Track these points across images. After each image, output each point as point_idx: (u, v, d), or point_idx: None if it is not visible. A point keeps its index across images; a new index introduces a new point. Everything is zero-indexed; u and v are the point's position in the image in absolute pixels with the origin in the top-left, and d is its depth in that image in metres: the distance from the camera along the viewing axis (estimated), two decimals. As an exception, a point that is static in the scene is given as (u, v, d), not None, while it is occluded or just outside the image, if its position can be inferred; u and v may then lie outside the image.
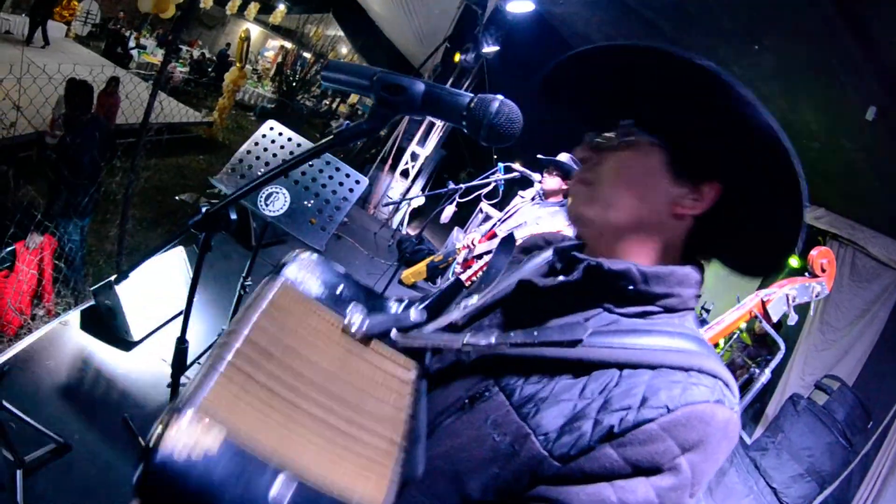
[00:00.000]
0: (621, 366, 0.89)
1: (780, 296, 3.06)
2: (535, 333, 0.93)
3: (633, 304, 0.98)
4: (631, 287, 0.97)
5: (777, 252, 1.01)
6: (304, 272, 1.05)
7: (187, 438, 0.67)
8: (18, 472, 2.65)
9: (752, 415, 7.78)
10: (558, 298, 1.04)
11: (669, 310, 0.99)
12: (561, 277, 1.05)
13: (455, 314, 1.15)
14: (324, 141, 1.04)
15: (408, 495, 0.81)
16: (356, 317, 0.99)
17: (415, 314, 1.12)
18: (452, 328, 1.12)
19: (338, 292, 1.07)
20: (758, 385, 3.69)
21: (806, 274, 3.27)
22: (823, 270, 3.24)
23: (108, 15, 20.88)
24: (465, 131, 0.95)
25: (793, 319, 3.11)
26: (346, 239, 8.19)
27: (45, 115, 6.11)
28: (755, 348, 7.32)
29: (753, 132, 0.89)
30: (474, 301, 1.16)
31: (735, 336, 6.88)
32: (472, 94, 0.93)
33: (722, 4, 5.19)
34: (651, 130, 0.99)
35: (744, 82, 0.87)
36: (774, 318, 3.08)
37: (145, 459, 0.66)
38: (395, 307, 1.20)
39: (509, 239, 1.33)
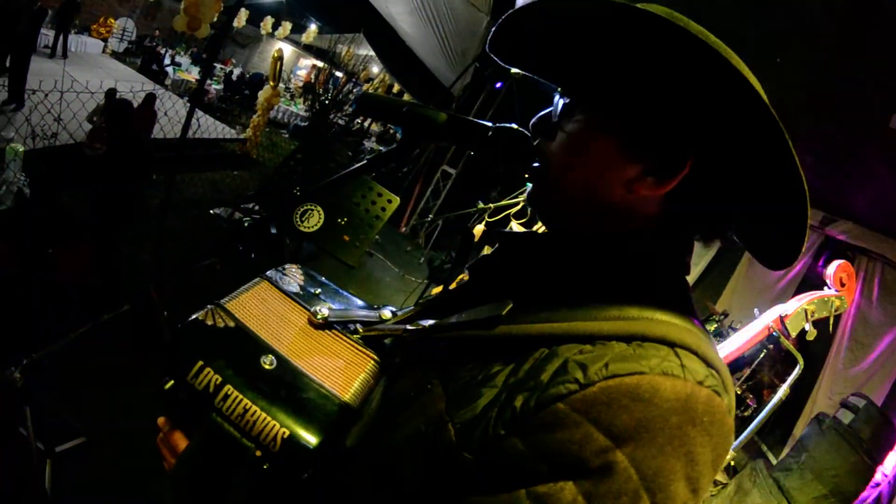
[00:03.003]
0: (546, 340, 0.75)
1: (799, 311, 3.01)
2: (462, 316, 0.88)
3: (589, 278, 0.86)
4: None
5: (785, 223, 0.84)
6: (284, 276, 1.28)
7: (215, 318, 1.07)
8: (48, 462, 2.79)
9: (779, 436, 7.69)
10: (514, 286, 0.94)
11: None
12: (484, 253, 1.02)
13: (415, 309, 1.15)
14: (357, 165, 1.12)
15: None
16: (322, 307, 1.15)
17: (387, 314, 1.19)
18: (412, 320, 1.08)
19: (315, 293, 1.26)
20: (774, 400, 3.61)
21: (825, 288, 3.20)
22: (843, 285, 3.16)
23: (143, 33, 21.29)
24: (485, 157, 1.04)
25: (812, 334, 3.08)
26: (378, 256, 8.28)
27: (85, 127, 6.30)
28: (782, 367, 7.23)
29: (720, 87, 0.76)
30: (432, 296, 1.15)
31: (763, 354, 6.85)
32: (490, 123, 1.01)
33: (741, 17, 5.18)
34: (596, 104, 0.89)
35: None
36: (793, 334, 3.02)
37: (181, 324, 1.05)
38: (385, 313, 1.21)
39: (467, 233, 1.41)
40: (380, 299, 6.22)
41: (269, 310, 1.16)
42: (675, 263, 0.89)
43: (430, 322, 0.95)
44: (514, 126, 1.00)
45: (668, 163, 0.82)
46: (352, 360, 1.07)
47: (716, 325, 7.59)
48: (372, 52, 20.06)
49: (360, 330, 1.13)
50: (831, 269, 3.19)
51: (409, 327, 1.00)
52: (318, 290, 1.27)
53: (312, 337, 1.11)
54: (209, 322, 1.07)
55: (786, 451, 7.27)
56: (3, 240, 4.82)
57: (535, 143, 0.99)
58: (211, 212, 8.58)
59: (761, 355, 6.76)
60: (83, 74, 7.35)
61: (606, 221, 0.89)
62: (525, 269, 0.95)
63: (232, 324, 1.08)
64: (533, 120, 1.00)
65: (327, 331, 1.12)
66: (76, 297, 5.04)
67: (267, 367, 0.99)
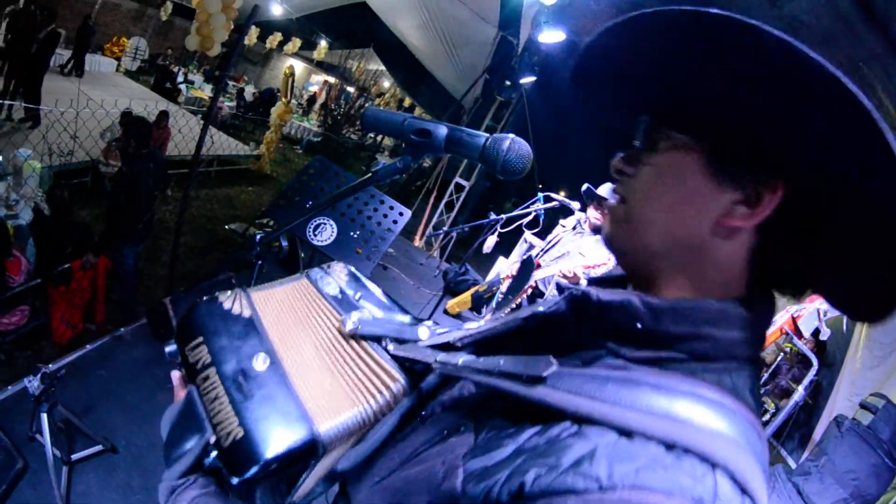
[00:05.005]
0: (582, 419, 0.65)
1: (811, 311, 2.97)
2: (501, 362, 0.76)
3: (645, 348, 0.75)
4: (639, 325, 0.75)
5: (884, 275, 0.69)
6: (326, 276, 1.27)
7: (234, 302, 1.12)
8: (64, 469, 2.84)
9: (798, 440, 7.59)
10: (556, 335, 0.85)
11: (699, 357, 0.73)
12: (540, 308, 0.86)
13: (457, 334, 0.99)
14: (363, 178, 1.16)
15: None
16: (354, 315, 1.10)
17: (424, 331, 1.09)
18: (448, 347, 0.98)
19: (354, 297, 1.22)
20: (791, 403, 3.57)
21: None
22: None
23: (156, 51, 21.49)
24: (484, 167, 1.06)
25: (825, 334, 3.03)
26: (393, 269, 8.31)
27: (101, 145, 6.39)
28: (799, 370, 7.14)
29: (821, 103, 0.63)
30: (480, 325, 0.98)
31: (780, 357, 6.77)
32: (487, 135, 1.03)
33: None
34: (680, 126, 0.79)
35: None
36: (806, 334, 2.99)
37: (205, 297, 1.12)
38: (423, 330, 1.10)
39: (528, 262, 1.37)
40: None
41: (295, 309, 1.17)
42: (752, 337, 0.75)
43: (465, 358, 0.86)
44: (511, 136, 1.02)
45: (762, 189, 0.72)
46: (365, 381, 1.00)
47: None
48: (382, 67, 20.17)
49: (389, 347, 1.05)
50: None
51: (439, 359, 0.91)
52: (359, 295, 1.23)
53: (334, 346, 1.07)
54: (227, 305, 1.12)
55: (805, 455, 7.14)
56: (22, 253, 4.90)
57: (619, 173, 0.88)
58: (227, 227, 8.64)
59: (778, 358, 6.57)
60: (98, 93, 7.46)
61: (687, 267, 0.79)
62: (582, 328, 0.82)
63: (248, 313, 1.11)
64: (615, 158, 0.89)
65: (354, 342, 1.07)
66: (93, 310, 5.12)
67: (258, 366, 1.00)
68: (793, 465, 6.97)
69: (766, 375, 6.66)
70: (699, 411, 0.62)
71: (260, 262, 1.45)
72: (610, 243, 0.89)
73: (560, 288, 0.88)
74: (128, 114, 5.34)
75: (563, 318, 0.83)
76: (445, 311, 7.18)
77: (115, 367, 3.68)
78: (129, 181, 4.93)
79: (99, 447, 3.05)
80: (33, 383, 2.60)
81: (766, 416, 6.70)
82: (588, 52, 0.87)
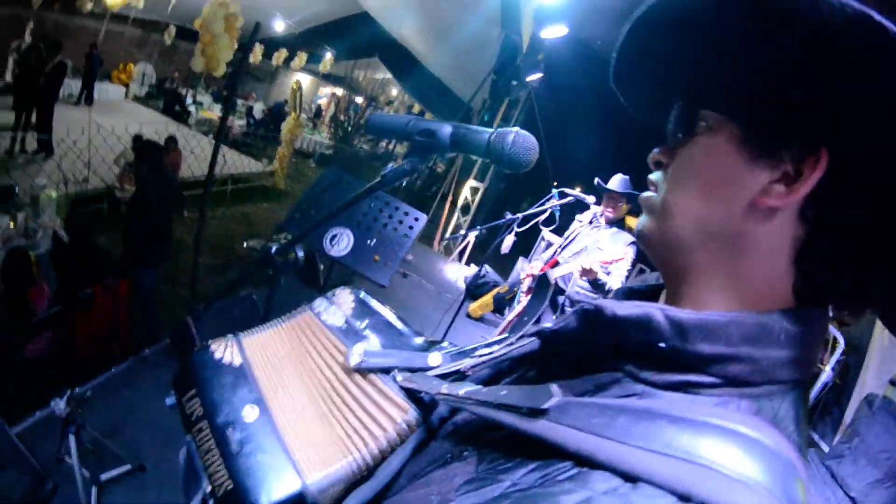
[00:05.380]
0: (583, 460, 0.56)
1: None
2: (502, 393, 0.71)
3: (670, 370, 0.64)
4: (662, 343, 0.65)
5: None
6: (331, 305, 1.25)
7: (226, 351, 1.12)
8: (93, 489, 2.88)
9: (830, 424, 7.48)
10: (568, 355, 0.79)
11: (736, 383, 0.62)
12: (548, 324, 0.81)
13: (469, 362, 0.95)
14: (372, 183, 1.15)
15: None
16: (359, 347, 1.05)
17: (436, 357, 1.02)
18: (459, 375, 0.95)
19: (360, 326, 1.17)
20: (818, 384, 3.47)
21: None
22: None
23: (162, 75, 21.70)
24: (490, 162, 1.05)
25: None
26: (413, 276, 8.32)
27: (115, 171, 6.47)
28: (825, 351, 6.98)
29: (864, 52, 0.54)
30: (492, 351, 0.94)
31: None
32: (492, 130, 1.01)
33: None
34: (713, 104, 0.71)
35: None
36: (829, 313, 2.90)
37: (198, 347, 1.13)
38: (434, 356, 1.03)
39: (544, 281, 1.32)
40: (419, 318, 6.23)
41: (292, 350, 1.17)
42: (800, 357, 0.64)
43: (468, 389, 0.79)
44: (516, 130, 1.00)
45: (797, 161, 0.63)
46: (364, 423, 0.96)
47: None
48: (389, 75, 20.23)
49: (398, 378, 0.99)
50: None
51: (443, 390, 0.84)
52: (365, 323, 1.18)
53: (333, 386, 1.05)
54: (218, 354, 1.12)
55: (837, 438, 6.93)
56: (45, 281, 4.97)
57: (654, 167, 0.81)
58: (245, 244, 8.69)
59: None
60: (108, 120, 7.54)
61: (724, 266, 0.69)
62: (596, 347, 0.74)
63: (238, 362, 1.11)
64: (651, 154, 0.81)
65: (359, 376, 1.03)
66: (116, 333, 5.18)
67: (248, 418, 0.99)
68: (825, 448, 6.87)
69: None
70: (728, 452, 0.50)
71: (279, 275, 1.45)
72: (642, 237, 0.81)
73: (572, 301, 0.83)
74: (139, 138, 5.42)
75: (574, 335, 0.76)
76: (468, 315, 7.18)
77: (141, 388, 3.72)
78: (144, 204, 5.00)
79: (127, 466, 3.08)
80: (60, 405, 2.65)
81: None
82: (622, 50, 0.79)
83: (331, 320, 1.20)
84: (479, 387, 0.80)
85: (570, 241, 4.80)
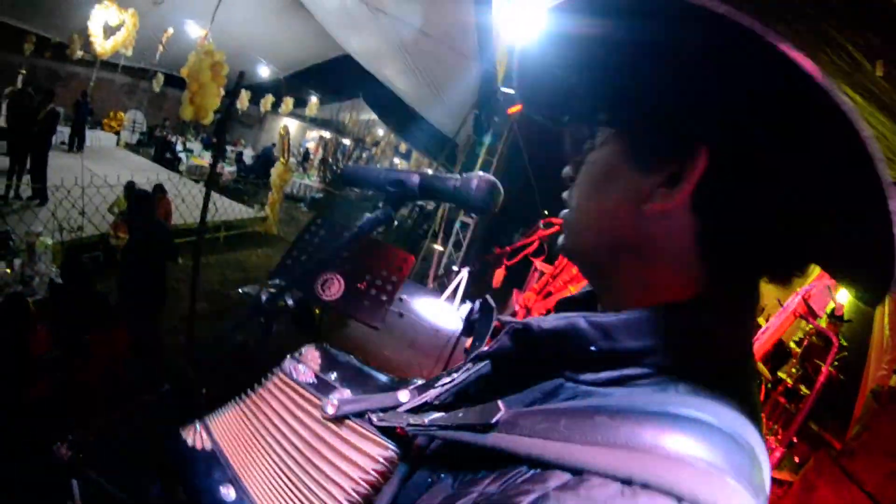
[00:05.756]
0: (535, 462, 0.60)
1: (821, 288, 2.85)
2: (460, 415, 0.76)
3: (606, 369, 0.70)
4: (593, 347, 0.70)
5: (864, 231, 0.60)
6: (299, 364, 1.30)
7: (195, 438, 1.20)
8: None
9: (841, 422, 7.06)
10: (513, 372, 0.84)
11: (667, 370, 0.67)
12: (485, 348, 0.90)
13: (433, 392, 0.98)
14: (349, 235, 1.18)
15: None
16: (332, 398, 1.10)
17: (404, 395, 1.04)
18: (426, 408, 0.97)
19: (331, 379, 1.23)
20: (818, 385, 3.39)
21: None
22: None
23: (153, 123, 21.87)
24: (459, 207, 1.13)
25: (840, 309, 2.91)
26: (409, 315, 8.33)
27: (109, 218, 6.56)
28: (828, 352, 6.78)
29: (737, 47, 0.58)
30: (453, 378, 0.96)
31: (807, 343, 6.48)
32: (457, 177, 1.05)
33: None
34: (607, 119, 0.79)
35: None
36: (821, 313, 2.87)
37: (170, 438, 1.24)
38: (403, 393, 1.05)
39: (486, 304, 1.35)
40: (418, 356, 6.25)
41: (263, 420, 1.20)
42: (729, 335, 0.70)
43: (432, 416, 0.86)
44: (479, 174, 1.03)
45: (678, 164, 0.67)
46: (351, 465, 1.00)
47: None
48: (374, 116, 20.38)
49: (374, 419, 1.03)
50: None
51: (411, 421, 0.89)
52: (335, 375, 1.24)
53: (309, 443, 1.09)
54: (190, 441, 1.20)
55: (850, 435, 6.70)
56: (41, 325, 5.02)
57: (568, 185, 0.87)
58: (240, 290, 8.71)
59: (804, 344, 6.40)
60: (101, 168, 7.64)
61: (636, 269, 0.74)
62: (536, 361, 0.79)
63: (209, 446, 1.17)
64: (564, 169, 0.89)
65: (335, 425, 1.08)
66: (115, 379, 5.23)
67: (228, 497, 1.05)
68: (838, 447, 6.65)
69: (797, 364, 6.38)
70: (667, 434, 0.54)
71: (271, 323, 1.50)
72: (564, 251, 0.87)
73: (503, 323, 0.92)
74: (131, 186, 5.52)
75: (512, 353, 0.83)
76: (465, 351, 7.19)
77: (144, 431, 3.73)
78: (138, 252, 5.08)
79: (138, 513, 3.10)
80: (61, 450, 2.67)
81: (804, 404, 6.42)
82: (521, 78, 0.91)
83: (302, 378, 1.25)
84: (442, 413, 0.86)
85: (561, 271, 4.85)
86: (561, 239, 0.87)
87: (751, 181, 0.64)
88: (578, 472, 0.55)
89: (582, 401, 0.67)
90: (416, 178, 1.09)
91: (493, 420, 0.68)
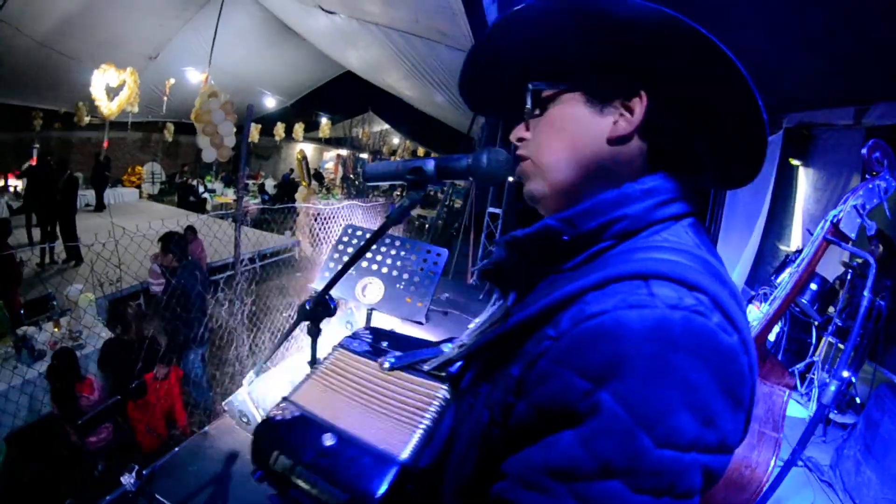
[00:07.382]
0: (550, 312, 0.80)
1: (848, 210, 2.81)
2: (485, 318, 1.02)
3: (578, 253, 0.89)
4: (565, 238, 0.89)
5: (749, 139, 0.88)
6: (354, 340, 1.58)
7: (283, 412, 1.30)
8: None
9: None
10: (518, 284, 1.05)
11: (624, 235, 0.87)
12: (485, 262, 1.07)
13: (467, 332, 1.29)
14: (381, 226, 1.30)
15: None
16: (388, 357, 1.39)
17: (447, 346, 1.39)
18: (463, 347, 1.22)
19: (382, 347, 1.53)
20: (861, 310, 3.31)
21: (866, 176, 3.01)
22: (881, 164, 2.96)
23: (171, 171, 22.22)
24: (475, 182, 1.25)
25: (871, 228, 2.84)
26: (454, 312, 8.34)
27: (146, 267, 6.73)
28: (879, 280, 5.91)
29: (645, 25, 0.85)
30: (480, 320, 1.24)
31: (850, 274, 6.13)
32: (468, 155, 1.14)
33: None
34: (555, 80, 1.00)
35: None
36: (852, 235, 2.81)
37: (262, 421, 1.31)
38: (446, 346, 1.41)
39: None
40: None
41: (336, 381, 1.40)
42: (670, 198, 0.90)
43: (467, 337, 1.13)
44: (488, 149, 1.13)
45: (631, 103, 0.92)
46: (413, 406, 1.25)
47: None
48: (387, 126, 20.47)
49: (425, 367, 1.33)
50: (864, 152, 2.97)
51: (455, 350, 1.20)
52: (386, 344, 1.54)
53: (380, 390, 1.32)
54: (279, 416, 1.30)
55: None
56: (91, 375, 5.24)
57: (517, 149, 1.07)
58: (285, 315, 8.82)
59: (848, 277, 6.15)
60: (129, 221, 7.79)
61: (602, 184, 0.92)
62: (528, 264, 0.99)
63: (298, 412, 1.30)
64: (512, 133, 1.09)
65: (396, 374, 1.35)
66: (173, 416, 5.40)
67: (328, 443, 1.17)
68: None
69: (842, 298, 6.15)
70: (652, 253, 0.80)
71: (318, 324, 1.61)
72: (534, 198, 1.04)
73: (496, 242, 1.12)
74: (169, 235, 5.70)
75: (508, 262, 1.02)
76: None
77: (206, 461, 3.88)
78: (178, 291, 5.24)
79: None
80: (129, 479, 2.79)
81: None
82: (473, 56, 1.10)
83: (360, 349, 1.51)
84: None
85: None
86: (528, 186, 1.04)
87: (674, 107, 0.92)
88: (571, 300, 0.77)
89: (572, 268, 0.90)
90: (431, 164, 1.19)
91: (512, 304, 0.99)
